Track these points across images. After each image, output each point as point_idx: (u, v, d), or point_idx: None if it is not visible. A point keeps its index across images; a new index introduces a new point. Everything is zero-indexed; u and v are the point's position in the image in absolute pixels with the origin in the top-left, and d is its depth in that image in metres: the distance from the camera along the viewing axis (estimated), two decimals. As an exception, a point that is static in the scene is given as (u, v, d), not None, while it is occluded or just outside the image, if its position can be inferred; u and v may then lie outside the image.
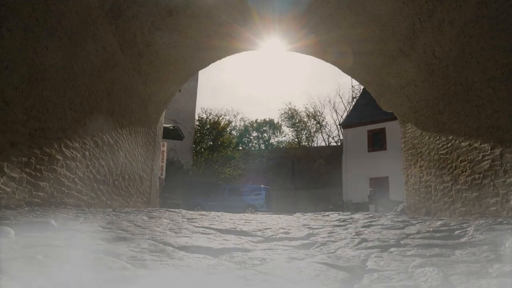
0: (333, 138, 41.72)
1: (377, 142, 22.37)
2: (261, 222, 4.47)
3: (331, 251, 2.28)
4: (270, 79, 65.68)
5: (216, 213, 6.89)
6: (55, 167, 4.47)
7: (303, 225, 4.28)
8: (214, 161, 26.33)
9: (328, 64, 9.15)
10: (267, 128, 45.18)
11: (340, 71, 9.26)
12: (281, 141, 44.06)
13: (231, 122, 37.72)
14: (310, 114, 42.82)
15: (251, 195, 18.96)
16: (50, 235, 2.16)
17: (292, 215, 7.83)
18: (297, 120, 43.85)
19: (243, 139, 43.72)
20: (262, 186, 19.96)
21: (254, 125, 45.12)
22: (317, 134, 43.60)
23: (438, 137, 6.71)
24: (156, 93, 9.02)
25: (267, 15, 7.22)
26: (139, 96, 8.16)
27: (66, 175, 4.78)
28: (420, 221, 4.72)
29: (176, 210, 7.47)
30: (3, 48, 3.27)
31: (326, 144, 40.31)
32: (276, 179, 29.07)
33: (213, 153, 26.77)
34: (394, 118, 10.17)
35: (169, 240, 2.32)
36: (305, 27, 7.52)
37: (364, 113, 23.25)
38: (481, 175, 5.11)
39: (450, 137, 6.13)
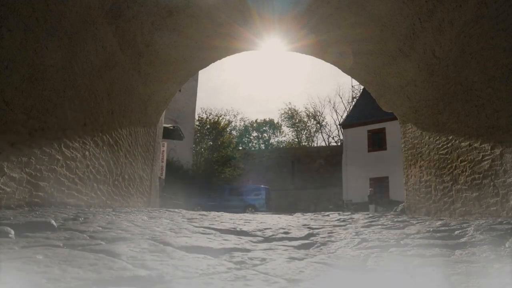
0: (333, 138, 41.75)
1: (377, 142, 22.38)
2: (261, 222, 4.46)
3: (331, 251, 2.28)
4: (270, 79, 65.77)
5: (216, 213, 6.88)
6: (55, 167, 4.47)
7: (303, 225, 4.28)
8: (214, 161, 26.30)
9: (328, 64, 9.15)
10: (267, 128, 45.23)
11: (340, 71, 9.26)
12: (281, 141, 44.13)
13: (231, 122, 37.74)
14: (310, 114, 42.86)
15: (251, 195, 18.96)
16: (50, 235, 2.16)
17: (292, 215, 7.83)
18: (297, 120, 43.88)
19: (243, 139, 43.73)
20: (262, 186, 19.96)
21: (254, 125, 45.16)
22: (317, 134, 43.66)
23: (438, 137, 6.70)
24: (156, 93, 9.02)
25: (267, 15, 7.22)
26: (139, 96, 8.16)
27: (66, 175, 4.78)
28: (420, 221, 4.72)
29: (176, 210, 7.46)
30: (3, 48, 3.27)
31: (326, 144, 40.30)
32: (276, 179, 29.05)
33: (213, 153, 26.74)
34: (394, 118, 10.16)
35: (169, 240, 2.31)
36: (305, 27, 7.52)
37: (364, 113, 23.26)
38: (481, 175, 5.11)
39: (450, 137, 6.13)
